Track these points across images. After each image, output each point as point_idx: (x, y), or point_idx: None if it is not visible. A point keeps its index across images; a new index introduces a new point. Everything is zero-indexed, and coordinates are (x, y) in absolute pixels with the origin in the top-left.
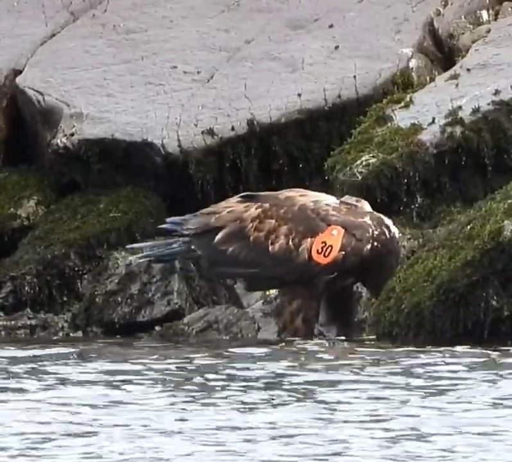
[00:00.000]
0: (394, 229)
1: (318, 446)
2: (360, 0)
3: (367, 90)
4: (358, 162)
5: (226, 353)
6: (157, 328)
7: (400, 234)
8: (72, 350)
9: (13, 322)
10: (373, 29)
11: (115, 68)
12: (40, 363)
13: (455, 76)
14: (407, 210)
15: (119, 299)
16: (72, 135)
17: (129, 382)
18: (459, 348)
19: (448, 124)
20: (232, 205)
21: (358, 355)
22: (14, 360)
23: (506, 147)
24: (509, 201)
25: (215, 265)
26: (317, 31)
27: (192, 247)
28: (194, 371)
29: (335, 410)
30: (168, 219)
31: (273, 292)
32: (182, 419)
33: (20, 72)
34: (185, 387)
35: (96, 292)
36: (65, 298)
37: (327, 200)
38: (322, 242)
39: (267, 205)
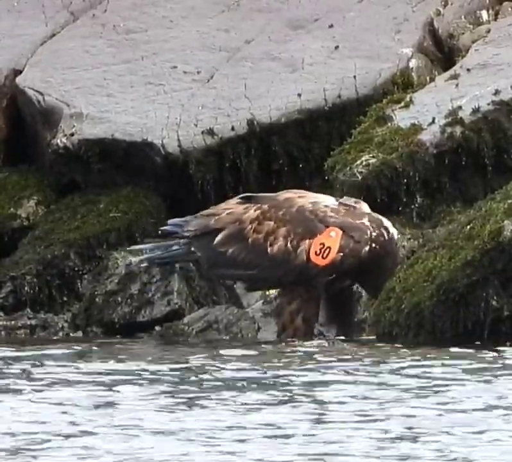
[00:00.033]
0: (393, 230)
1: (313, 446)
2: (360, 0)
3: (367, 90)
4: (358, 162)
5: (223, 354)
6: (157, 328)
7: (399, 235)
8: (67, 351)
9: (13, 322)
10: (373, 29)
11: (115, 68)
12: (35, 363)
13: (455, 76)
14: (407, 210)
15: (119, 299)
16: (72, 135)
17: (125, 382)
18: (454, 349)
19: (448, 124)
20: (232, 207)
21: (354, 356)
22: (11, 360)
23: (506, 147)
24: (509, 201)
25: (215, 266)
26: (317, 31)
27: (192, 249)
28: (189, 372)
29: (330, 410)
30: (169, 221)
31: (272, 292)
32: (177, 420)
33: (20, 72)
34: (180, 387)
35: (96, 292)
36: (65, 298)
37: (326, 201)
38: (320, 244)
39: (266, 206)
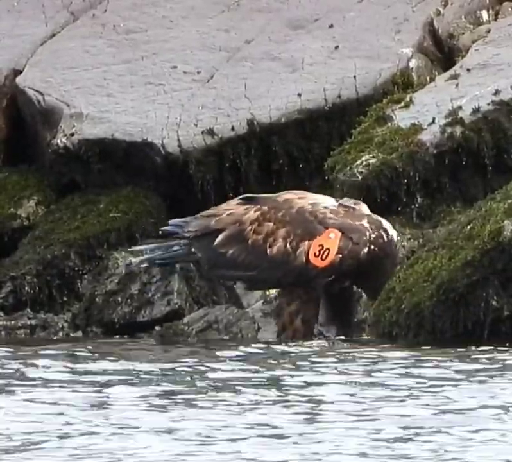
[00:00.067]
0: (392, 232)
1: (308, 446)
2: (360, 0)
3: (367, 90)
4: (358, 162)
5: (221, 354)
6: (157, 328)
7: (400, 236)
8: (65, 351)
9: (13, 322)
10: (373, 29)
11: (115, 68)
12: (31, 363)
13: (455, 76)
14: (407, 210)
15: (119, 299)
16: (72, 135)
17: (122, 382)
18: (452, 349)
19: (448, 124)
20: (232, 207)
21: (351, 356)
22: (7, 360)
23: (506, 147)
24: (509, 201)
25: (215, 267)
26: (317, 31)
27: (193, 249)
28: (186, 372)
29: (325, 410)
30: (170, 221)
31: (273, 291)
32: (173, 420)
33: (20, 72)
34: (177, 387)
35: (96, 292)
36: (65, 298)
37: (325, 203)
38: (319, 245)
39: (266, 207)
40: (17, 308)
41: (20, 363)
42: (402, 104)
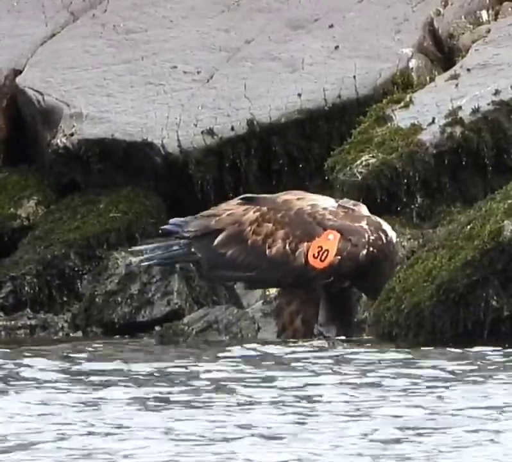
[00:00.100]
0: (391, 233)
1: (303, 446)
2: (360, 0)
3: (367, 90)
4: (358, 162)
5: (217, 355)
6: (157, 328)
7: (399, 236)
8: (63, 351)
9: (13, 322)
10: (373, 29)
11: (115, 68)
12: (26, 363)
13: (455, 76)
14: (407, 210)
15: (119, 299)
16: (72, 135)
17: (118, 382)
18: (450, 349)
19: (448, 124)
20: (232, 208)
21: (348, 356)
22: (3, 361)
23: (506, 147)
24: (509, 201)
25: (215, 268)
26: (317, 31)
27: (192, 249)
28: (183, 372)
29: (321, 410)
30: (170, 221)
31: (272, 291)
32: (168, 421)
33: (20, 72)
34: (173, 387)
35: (96, 292)
36: (65, 298)
37: (324, 204)
38: (318, 247)
39: (265, 208)
40: (17, 308)
41: (15, 364)
42: (402, 104)
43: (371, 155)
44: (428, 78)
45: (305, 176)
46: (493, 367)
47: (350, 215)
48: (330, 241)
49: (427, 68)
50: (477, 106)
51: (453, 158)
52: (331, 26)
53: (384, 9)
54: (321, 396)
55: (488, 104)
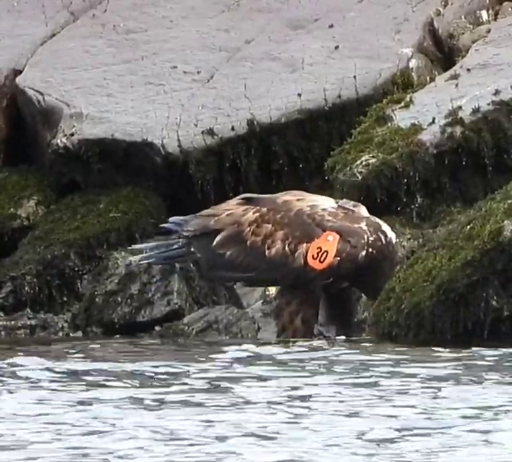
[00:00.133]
0: (390, 234)
1: (297, 446)
2: (360, 0)
3: (367, 90)
4: (358, 162)
5: (214, 354)
6: (157, 328)
7: (400, 236)
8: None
9: (13, 322)
10: (373, 29)
11: (115, 68)
12: (21, 363)
13: (455, 76)
14: (407, 210)
15: (119, 299)
16: (72, 135)
17: (114, 382)
18: (448, 349)
19: (448, 124)
20: (231, 208)
21: (342, 356)
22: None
23: (506, 147)
24: (509, 201)
25: (214, 268)
26: (317, 31)
27: (192, 249)
28: (179, 372)
29: (314, 410)
30: (170, 219)
31: (272, 291)
32: (162, 420)
33: (20, 72)
34: (169, 387)
35: (96, 292)
36: (65, 298)
37: (324, 205)
38: (317, 248)
39: (265, 209)
40: (17, 308)
41: (13, 363)
42: (402, 104)
43: (371, 155)
44: (428, 78)
45: (305, 176)
46: (487, 367)
47: (350, 216)
48: (330, 242)
49: (427, 68)
50: (477, 106)
51: (453, 158)
52: (331, 26)
53: (384, 9)
54: (315, 395)
55: (488, 104)
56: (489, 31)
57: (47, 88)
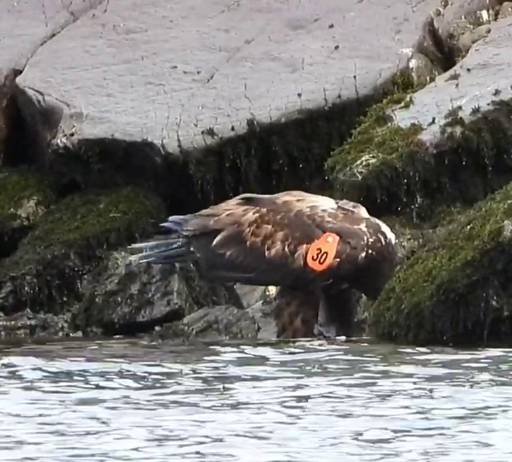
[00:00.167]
0: (390, 235)
1: (292, 446)
2: (360, 0)
3: (367, 90)
4: (358, 162)
5: (211, 354)
6: (157, 328)
7: (397, 239)
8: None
9: (13, 322)
10: (373, 29)
11: (115, 68)
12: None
13: (455, 76)
14: (407, 210)
15: (119, 299)
16: (72, 135)
17: (110, 382)
18: (435, 350)
19: (448, 124)
20: (231, 208)
21: (338, 356)
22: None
23: (506, 147)
24: (509, 201)
25: (213, 268)
26: (317, 31)
27: (192, 249)
28: (176, 372)
29: (309, 410)
30: (169, 218)
31: (272, 291)
32: (157, 421)
33: (20, 72)
34: (166, 388)
35: (96, 292)
36: (65, 298)
37: (324, 206)
38: (317, 249)
39: (265, 210)
40: (17, 309)
41: (11, 364)
42: (402, 104)
43: (371, 155)
44: (428, 78)
45: (305, 176)
46: (485, 367)
47: (349, 217)
48: (329, 244)
49: (427, 68)
50: (477, 106)
51: (453, 158)
52: (331, 26)
53: (384, 9)
54: (310, 396)
55: (488, 104)
56: (489, 31)
57: (47, 88)
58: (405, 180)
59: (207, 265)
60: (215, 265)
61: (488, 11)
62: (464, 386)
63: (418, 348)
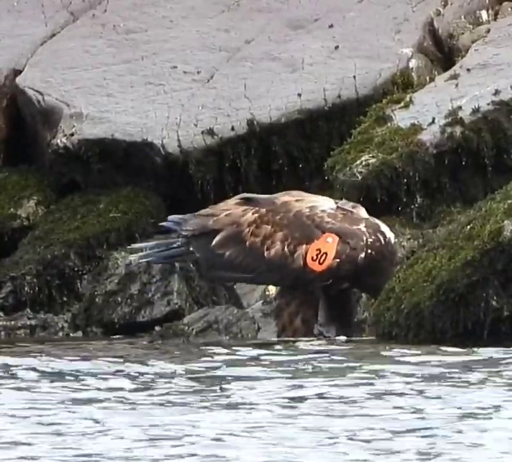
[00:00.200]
0: (389, 234)
1: (287, 446)
2: (360, 0)
3: (367, 90)
4: (358, 162)
5: (208, 354)
6: (157, 328)
7: (397, 239)
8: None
9: (13, 322)
10: (373, 29)
11: (115, 68)
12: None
13: (455, 76)
14: (407, 210)
15: (119, 299)
16: (72, 135)
17: (107, 382)
18: (436, 349)
19: (448, 124)
20: (230, 208)
21: (335, 356)
22: None
23: (506, 147)
24: (509, 201)
25: (213, 268)
26: (317, 31)
27: (191, 248)
28: (173, 373)
29: (304, 410)
30: (169, 217)
31: (272, 291)
32: (153, 421)
33: (20, 72)
34: (162, 388)
35: (96, 292)
36: (65, 298)
37: (323, 206)
38: (317, 250)
39: (264, 210)
40: (17, 309)
41: (9, 364)
42: (402, 104)
43: (371, 155)
44: (428, 78)
45: (305, 176)
46: (482, 367)
47: (349, 217)
48: (329, 244)
49: (427, 68)
50: (477, 106)
51: (453, 158)
52: (331, 26)
53: (384, 9)
54: (306, 396)
55: (488, 104)
56: (489, 31)
57: (47, 88)
58: (405, 180)
59: (207, 265)
60: (215, 266)
61: (488, 11)
62: (459, 386)
63: (416, 348)
